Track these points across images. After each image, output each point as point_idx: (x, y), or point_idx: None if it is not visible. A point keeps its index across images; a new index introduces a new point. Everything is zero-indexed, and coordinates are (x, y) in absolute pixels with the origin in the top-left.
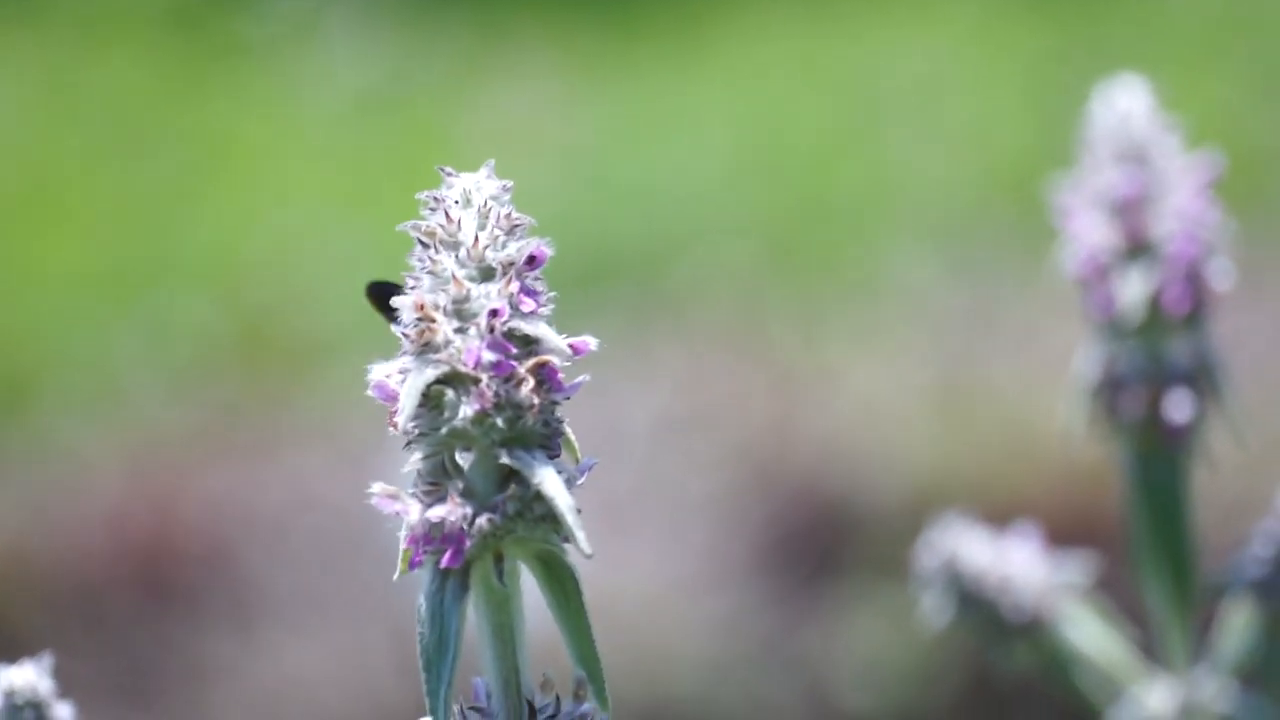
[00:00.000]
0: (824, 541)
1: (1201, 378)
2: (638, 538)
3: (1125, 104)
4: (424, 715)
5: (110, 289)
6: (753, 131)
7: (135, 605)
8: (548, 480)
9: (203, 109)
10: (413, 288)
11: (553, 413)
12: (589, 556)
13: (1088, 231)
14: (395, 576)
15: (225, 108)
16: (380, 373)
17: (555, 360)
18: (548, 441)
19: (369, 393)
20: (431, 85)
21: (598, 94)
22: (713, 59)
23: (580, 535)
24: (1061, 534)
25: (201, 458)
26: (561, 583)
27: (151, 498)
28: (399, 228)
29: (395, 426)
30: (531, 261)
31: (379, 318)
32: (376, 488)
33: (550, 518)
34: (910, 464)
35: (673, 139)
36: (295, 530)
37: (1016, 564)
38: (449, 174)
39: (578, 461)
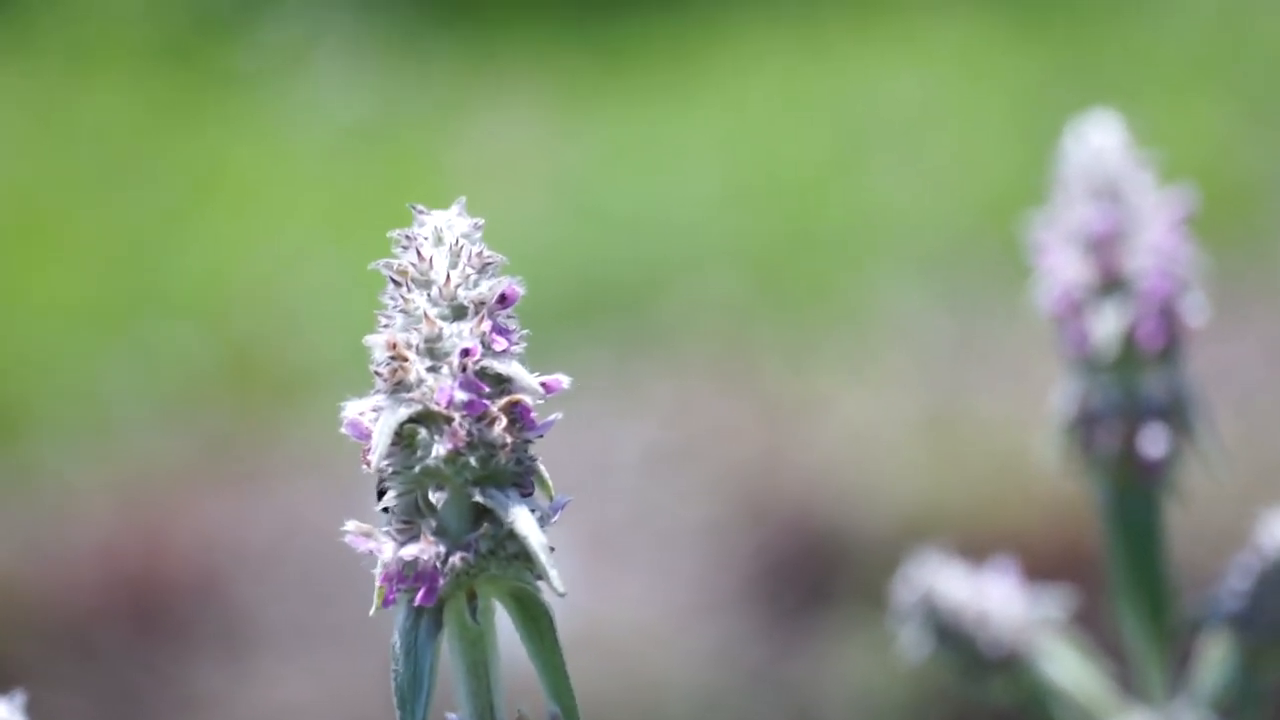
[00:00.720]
0: (813, 571)
1: (1176, 413)
2: (628, 568)
3: (1098, 140)
4: None
5: (99, 319)
6: (741, 162)
7: (125, 636)
8: (521, 519)
9: (192, 139)
10: (385, 326)
11: (525, 451)
12: (562, 595)
13: (1062, 267)
14: (370, 613)
15: (215, 138)
16: (353, 410)
17: (528, 399)
18: (520, 480)
19: (343, 430)
20: (420, 116)
21: (586, 124)
22: (701, 89)
23: (553, 574)
24: (1049, 565)
25: (191, 488)
26: (535, 620)
27: (141, 528)
28: (371, 266)
29: (369, 465)
30: (503, 300)
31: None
32: (350, 525)
33: (523, 556)
34: (899, 494)
35: (661, 169)
36: (285, 560)
37: (994, 599)
38: (420, 211)
39: (551, 499)
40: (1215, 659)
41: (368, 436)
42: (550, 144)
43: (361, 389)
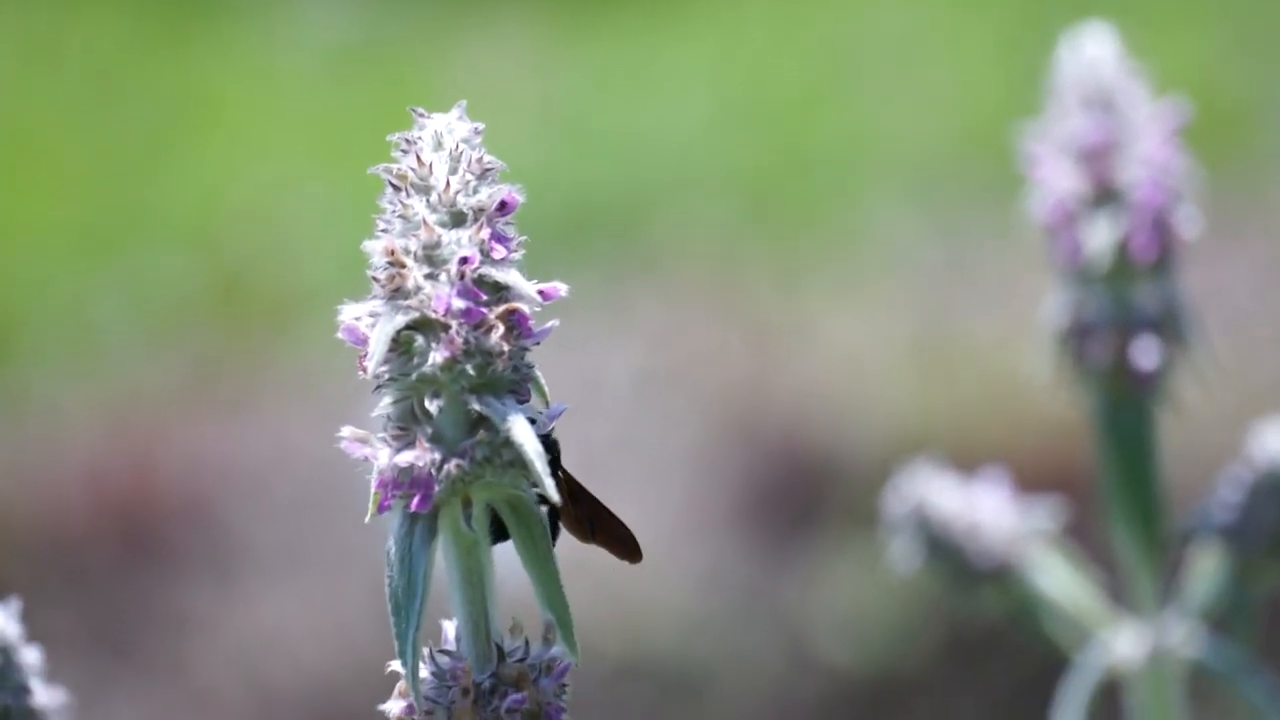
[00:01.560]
0: (803, 494)
1: (1169, 325)
2: (616, 491)
3: (1092, 51)
4: (392, 661)
5: (89, 243)
6: (732, 87)
7: (114, 559)
8: (517, 426)
9: (181, 64)
10: (383, 232)
11: (522, 359)
12: (556, 503)
13: (1055, 178)
14: (366, 519)
15: (204, 63)
16: (350, 315)
17: (525, 307)
18: (517, 387)
19: (339, 335)
20: (410, 40)
21: (576, 49)
22: (692, 14)
23: (548, 481)
24: (1038, 484)
25: (180, 412)
26: (529, 528)
27: (130, 452)
28: (371, 170)
29: (365, 370)
30: (503, 208)
31: (358, 272)
32: (346, 432)
33: (518, 463)
34: (889, 416)
35: (652, 94)
36: (274, 484)
37: (985, 510)
38: (421, 115)
39: (548, 406)
40: (1206, 570)
41: (364, 342)
42: (540, 67)
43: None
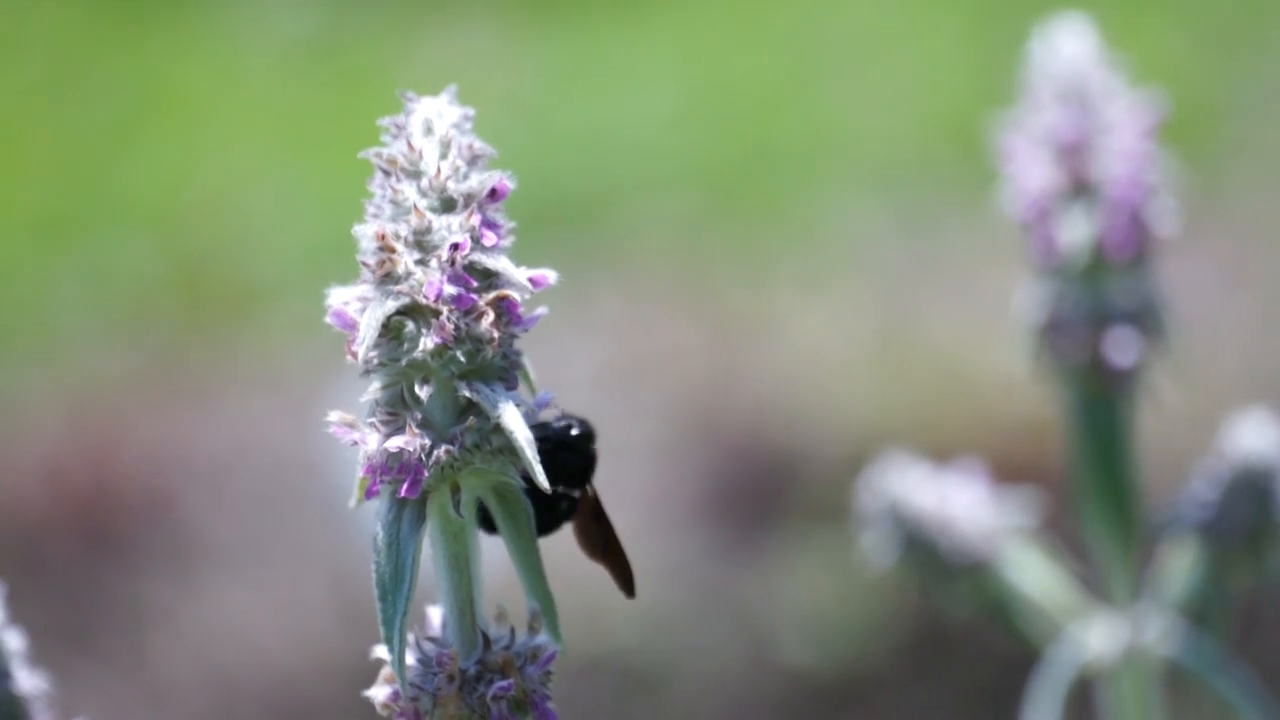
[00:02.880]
0: (765, 490)
1: (1144, 320)
2: None
3: (1067, 43)
4: (377, 647)
5: (49, 233)
6: (696, 80)
7: (74, 551)
8: (508, 413)
9: (142, 54)
10: (374, 216)
11: (511, 345)
12: (547, 490)
13: (1029, 173)
14: (352, 504)
15: (165, 53)
16: (338, 299)
17: (515, 294)
18: (506, 374)
19: (327, 319)
20: (372, 32)
21: (540, 41)
22: (655, 8)
23: (539, 468)
24: (1002, 481)
25: (141, 403)
26: (515, 516)
27: (90, 443)
28: (361, 154)
29: (354, 355)
30: (493, 194)
31: (320, 263)
32: (334, 416)
33: (508, 450)
34: (851, 413)
35: (615, 87)
36: (235, 476)
37: (959, 506)
38: (411, 99)
39: (534, 393)
40: (1181, 566)
41: (352, 326)
42: (503, 61)
43: (313, 304)
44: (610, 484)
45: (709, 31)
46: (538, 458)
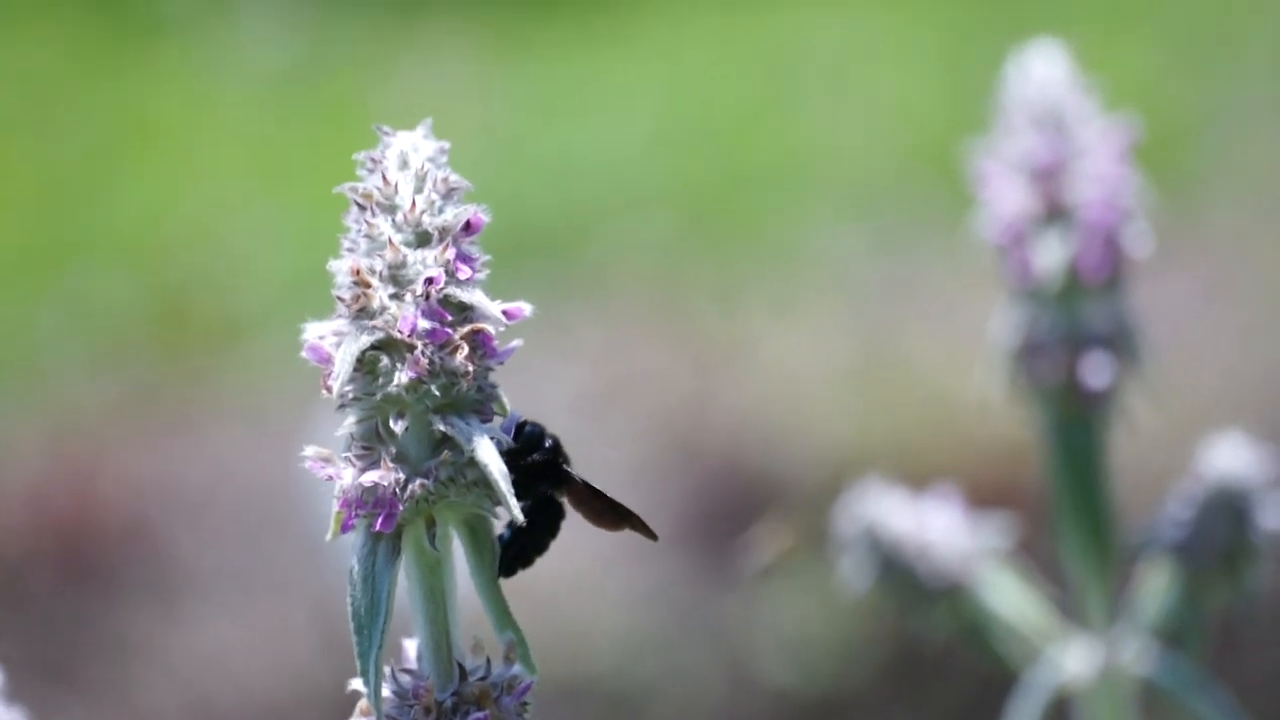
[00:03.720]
0: (743, 514)
1: (1119, 342)
2: None
3: (1041, 68)
4: (353, 680)
5: (29, 266)
6: (671, 106)
7: (55, 582)
8: (482, 447)
9: (120, 87)
10: (349, 251)
11: (486, 378)
12: (521, 523)
13: (1005, 197)
14: (328, 538)
15: (143, 86)
16: (314, 333)
17: (489, 327)
18: (481, 407)
19: (303, 354)
20: (348, 62)
21: (515, 70)
22: (631, 34)
23: (513, 502)
24: (979, 504)
25: (121, 435)
26: (481, 551)
27: (71, 474)
28: (336, 190)
29: (329, 390)
30: (468, 228)
31: (300, 295)
32: (310, 451)
33: (483, 483)
34: (830, 436)
35: (590, 114)
36: (216, 507)
37: (936, 529)
38: (386, 133)
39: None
40: (1157, 587)
41: (328, 361)
42: (479, 90)
43: (293, 335)
44: None
45: (683, 56)
46: (513, 491)
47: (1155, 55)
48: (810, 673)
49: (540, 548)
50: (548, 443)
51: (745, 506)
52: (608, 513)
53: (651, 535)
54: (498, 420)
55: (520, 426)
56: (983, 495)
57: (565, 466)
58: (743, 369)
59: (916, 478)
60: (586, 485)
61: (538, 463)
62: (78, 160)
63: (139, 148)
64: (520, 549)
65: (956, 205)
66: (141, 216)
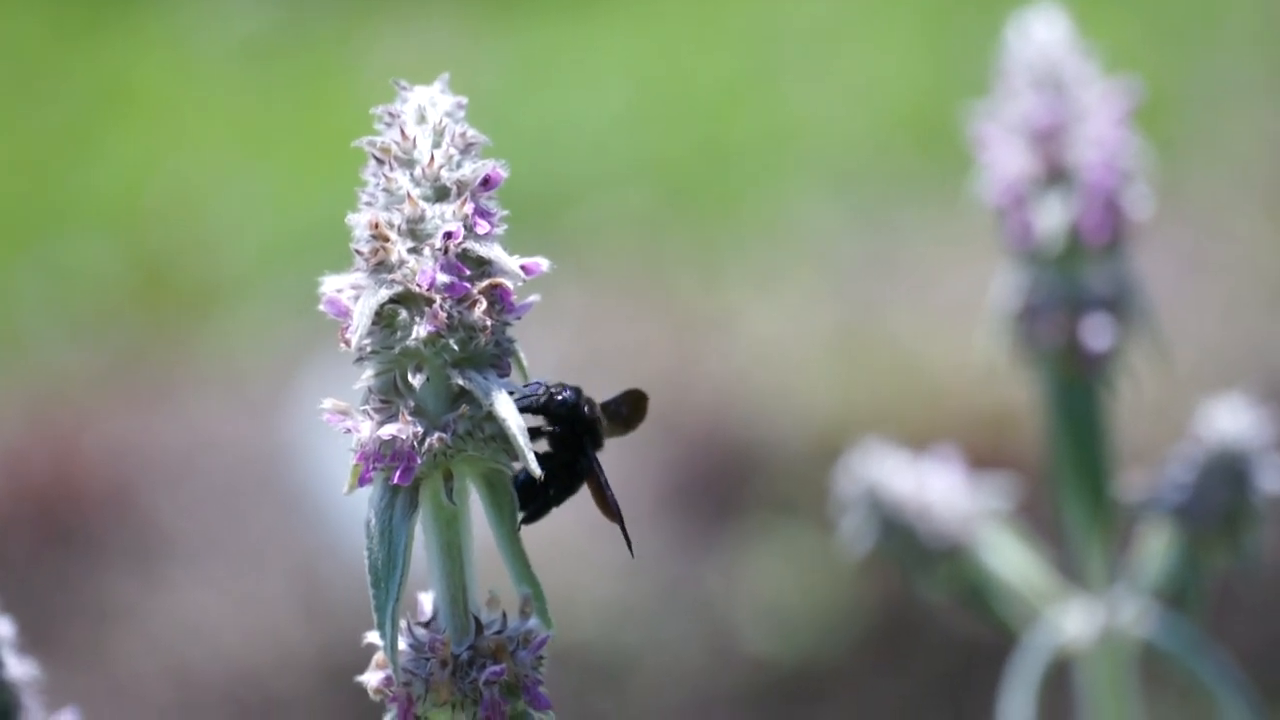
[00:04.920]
0: (725, 484)
1: (1120, 305)
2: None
3: (1041, 31)
4: (369, 633)
5: (8, 233)
6: (652, 77)
7: (35, 547)
8: (500, 401)
9: (99, 54)
10: (367, 204)
11: (504, 333)
12: (539, 478)
13: (1005, 159)
14: (345, 491)
15: (122, 53)
16: (332, 286)
17: (508, 282)
18: (499, 362)
19: (320, 307)
20: (328, 30)
21: (496, 39)
22: (611, 4)
23: (531, 456)
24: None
25: (101, 401)
26: (501, 505)
27: (51, 441)
28: (354, 143)
29: (347, 343)
30: (487, 182)
31: (280, 262)
32: (327, 404)
33: (500, 438)
34: (810, 407)
35: (572, 85)
36: (196, 474)
37: (936, 491)
38: (404, 87)
39: (526, 380)
40: (1156, 549)
41: (346, 314)
42: (459, 59)
43: (273, 301)
44: None
45: (665, 27)
46: (530, 445)
47: (1134, 27)
48: (792, 641)
49: (558, 502)
50: (585, 409)
51: (727, 476)
52: (603, 506)
53: (629, 548)
54: (517, 376)
55: (555, 392)
56: (965, 464)
57: (590, 451)
58: (724, 340)
59: (898, 446)
60: (598, 477)
61: (563, 436)
62: (58, 128)
63: (120, 115)
64: (542, 504)
65: (936, 178)
66: (122, 184)
